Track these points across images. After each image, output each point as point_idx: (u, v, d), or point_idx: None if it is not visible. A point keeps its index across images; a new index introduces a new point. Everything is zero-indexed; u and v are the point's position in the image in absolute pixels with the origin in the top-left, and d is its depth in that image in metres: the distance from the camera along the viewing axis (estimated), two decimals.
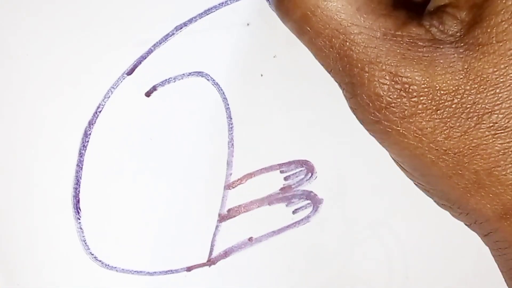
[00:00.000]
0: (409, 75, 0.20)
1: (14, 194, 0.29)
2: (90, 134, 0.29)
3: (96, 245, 0.30)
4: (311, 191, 0.31)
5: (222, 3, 0.29)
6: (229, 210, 0.31)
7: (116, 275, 0.31)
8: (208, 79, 0.29)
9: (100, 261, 0.30)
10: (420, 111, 0.20)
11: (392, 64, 0.20)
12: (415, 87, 0.20)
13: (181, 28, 0.29)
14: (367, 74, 0.20)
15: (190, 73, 0.29)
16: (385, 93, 0.20)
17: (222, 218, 0.31)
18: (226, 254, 0.31)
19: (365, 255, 0.32)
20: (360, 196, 0.32)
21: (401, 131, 0.20)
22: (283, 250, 0.32)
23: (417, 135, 0.20)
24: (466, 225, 0.23)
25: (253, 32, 0.29)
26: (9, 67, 0.28)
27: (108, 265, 0.30)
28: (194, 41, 0.29)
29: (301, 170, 0.31)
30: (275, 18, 0.29)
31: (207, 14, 0.29)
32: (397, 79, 0.20)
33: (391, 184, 0.32)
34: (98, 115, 0.29)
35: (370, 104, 0.20)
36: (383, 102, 0.20)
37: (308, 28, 0.21)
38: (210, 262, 0.31)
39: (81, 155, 0.29)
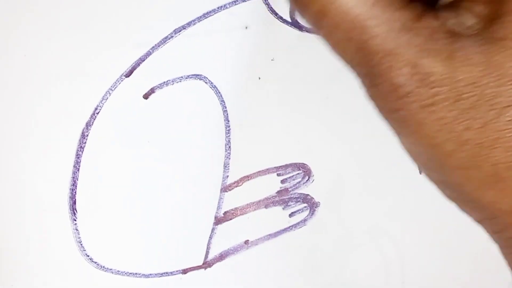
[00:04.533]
0: (428, 65, 0.20)
1: (10, 194, 0.29)
2: (87, 135, 0.29)
3: (91, 247, 0.30)
4: (308, 195, 0.31)
5: (221, 6, 0.29)
6: (225, 213, 0.31)
7: (112, 277, 0.30)
8: (206, 82, 0.29)
9: (95, 262, 0.30)
10: (439, 101, 0.20)
11: (411, 54, 0.20)
12: (435, 77, 0.20)
13: (180, 31, 0.29)
14: (386, 64, 0.20)
15: (188, 76, 0.29)
16: (404, 82, 0.20)
17: (218, 220, 0.31)
18: (222, 257, 0.31)
19: (362, 259, 0.32)
20: (357, 200, 0.32)
21: (420, 120, 0.20)
22: (279, 253, 0.32)
23: (436, 125, 0.20)
24: (476, 221, 0.22)
25: (252, 35, 0.29)
26: (7, 68, 0.28)
27: (103, 266, 0.30)
28: (192, 44, 0.29)
29: (298, 173, 0.31)
30: (273, 22, 0.29)
31: (206, 18, 0.29)
32: (416, 69, 0.20)
33: (388, 188, 0.32)
34: (95, 116, 0.29)
35: (390, 93, 0.20)
36: (402, 92, 0.20)
37: (326, 22, 0.21)
38: (206, 264, 0.31)
39: (78, 156, 0.29)
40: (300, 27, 0.29)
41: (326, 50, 0.31)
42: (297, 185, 0.31)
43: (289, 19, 0.29)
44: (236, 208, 0.31)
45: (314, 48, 0.30)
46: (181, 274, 0.31)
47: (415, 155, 0.22)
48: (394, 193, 0.32)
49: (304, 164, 0.31)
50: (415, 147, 0.22)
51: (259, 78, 0.30)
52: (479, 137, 0.20)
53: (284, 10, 0.29)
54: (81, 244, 0.30)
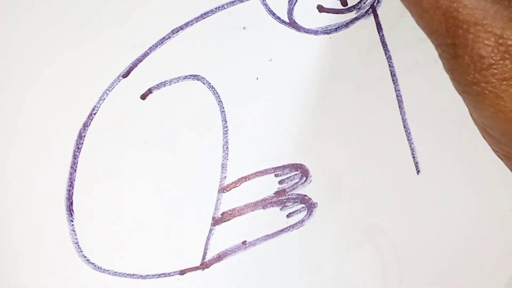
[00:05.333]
0: None
1: (7, 195, 0.29)
2: (84, 136, 0.29)
3: (89, 248, 0.30)
4: (306, 195, 0.31)
5: (219, 6, 0.29)
6: (223, 214, 0.31)
7: (109, 278, 0.30)
8: (203, 82, 0.29)
9: (92, 263, 0.30)
10: None
11: (499, 26, 0.20)
12: None
13: (178, 31, 0.29)
14: (471, 35, 0.20)
15: (185, 76, 0.29)
16: (488, 54, 0.20)
17: (216, 221, 0.31)
18: (219, 257, 0.31)
19: (359, 260, 0.32)
20: (354, 200, 0.32)
21: (498, 93, 0.20)
22: (277, 254, 0.32)
23: None
24: None
25: (249, 35, 0.29)
26: (4, 68, 0.28)
27: (100, 268, 0.30)
28: (190, 44, 0.29)
29: (295, 174, 0.31)
30: (271, 22, 0.29)
31: (204, 18, 0.29)
32: (502, 41, 0.20)
33: (385, 189, 0.32)
34: (92, 117, 0.29)
35: (471, 65, 0.20)
36: (484, 64, 0.20)
37: None
38: (204, 265, 0.31)
39: (75, 157, 0.29)
40: (298, 28, 0.29)
41: (324, 51, 0.31)
42: (295, 185, 0.31)
43: (287, 20, 0.29)
44: (233, 209, 0.31)
45: (312, 49, 0.30)
46: (178, 275, 0.31)
47: (488, 130, 0.22)
48: (391, 194, 0.32)
49: (302, 164, 0.31)
50: (489, 121, 0.21)
51: (257, 79, 0.30)
52: None
53: (282, 10, 0.29)
54: (78, 245, 0.30)
